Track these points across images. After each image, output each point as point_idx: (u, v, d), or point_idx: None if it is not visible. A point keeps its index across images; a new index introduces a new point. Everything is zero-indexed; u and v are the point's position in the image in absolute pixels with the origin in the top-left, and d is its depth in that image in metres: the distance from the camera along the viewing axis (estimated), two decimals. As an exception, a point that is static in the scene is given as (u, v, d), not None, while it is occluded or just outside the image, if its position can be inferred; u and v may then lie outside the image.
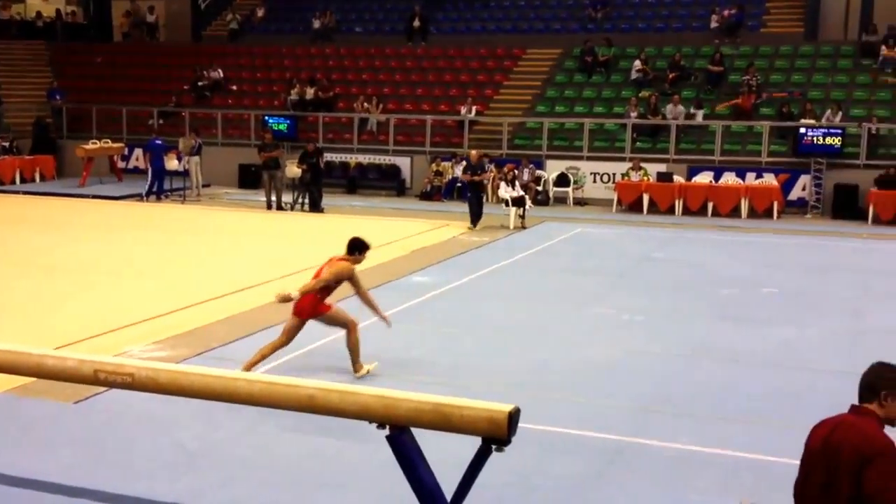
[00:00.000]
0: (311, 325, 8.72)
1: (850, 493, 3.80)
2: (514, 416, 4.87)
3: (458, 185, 21.97)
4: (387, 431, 5.05)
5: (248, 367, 8.18)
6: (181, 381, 5.58)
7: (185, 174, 22.21)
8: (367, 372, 8.69)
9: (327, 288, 8.52)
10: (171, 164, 21.92)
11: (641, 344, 10.01)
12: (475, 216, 18.29)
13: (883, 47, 22.54)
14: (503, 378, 8.68)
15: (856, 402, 4.02)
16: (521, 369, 9.04)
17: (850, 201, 19.78)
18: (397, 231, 17.35)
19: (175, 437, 7.14)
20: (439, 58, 27.16)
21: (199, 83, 27.47)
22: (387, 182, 23.82)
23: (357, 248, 8.84)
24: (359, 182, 23.97)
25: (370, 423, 5.08)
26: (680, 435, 7.31)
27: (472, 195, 18.43)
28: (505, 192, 18.87)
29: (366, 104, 25.17)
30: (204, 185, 22.91)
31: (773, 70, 23.63)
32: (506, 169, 20.53)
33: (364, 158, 24.13)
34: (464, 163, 20.79)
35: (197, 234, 17.54)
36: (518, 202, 18.56)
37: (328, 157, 22.57)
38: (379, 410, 5.09)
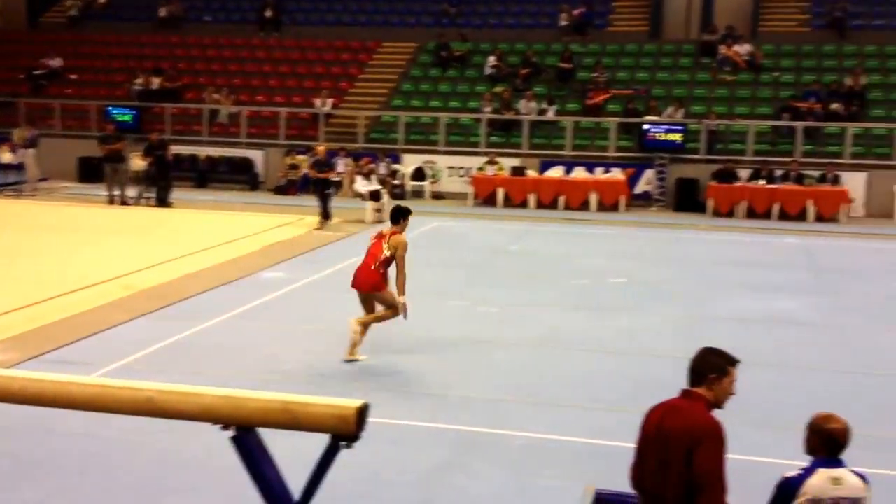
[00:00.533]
0: (150, 325, 8.39)
1: (682, 473, 3.94)
2: (362, 412, 4.80)
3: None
4: (232, 432, 4.90)
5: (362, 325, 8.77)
6: (12, 387, 5.23)
7: (20, 167, 21.03)
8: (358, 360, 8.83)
9: (389, 261, 8.80)
10: (5, 156, 20.75)
11: (495, 335, 10.13)
12: (324, 213, 17.70)
13: (721, 46, 23.66)
14: (357, 374, 8.61)
15: (687, 386, 4.17)
16: (376, 365, 8.99)
17: (691, 194, 20.67)
18: (249, 226, 16.97)
19: (8, 448, 6.72)
20: (293, 49, 26.76)
21: (36, 72, 26.07)
22: (239, 176, 23.28)
23: (402, 215, 9.05)
24: (209, 176, 23.33)
25: (214, 424, 4.91)
26: (531, 423, 7.44)
27: (318, 191, 17.75)
28: (361, 186, 18.76)
29: (216, 95, 24.52)
30: (41, 179, 21.77)
31: (620, 68, 24.43)
32: (362, 163, 20.42)
33: (214, 151, 23.51)
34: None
35: (33, 231, 16.62)
36: (375, 196, 18.48)
37: (176, 149, 21.83)
38: (223, 411, 4.90)
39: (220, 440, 4.94)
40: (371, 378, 8.46)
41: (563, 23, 25.77)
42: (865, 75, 22.09)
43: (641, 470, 4.20)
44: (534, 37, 25.75)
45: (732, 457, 6.09)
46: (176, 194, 20.10)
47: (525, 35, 25.91)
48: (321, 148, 18.95)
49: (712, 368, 4.11)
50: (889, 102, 21.85)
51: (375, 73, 25.66)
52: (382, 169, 21.29)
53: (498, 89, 23.58)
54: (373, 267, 8.80)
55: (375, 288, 8.84)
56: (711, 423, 4.00)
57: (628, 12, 26.64)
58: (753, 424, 7.44)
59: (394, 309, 8.89)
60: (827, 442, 4.09)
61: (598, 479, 6.21)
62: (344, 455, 4.90)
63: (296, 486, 4.04)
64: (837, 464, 4.08)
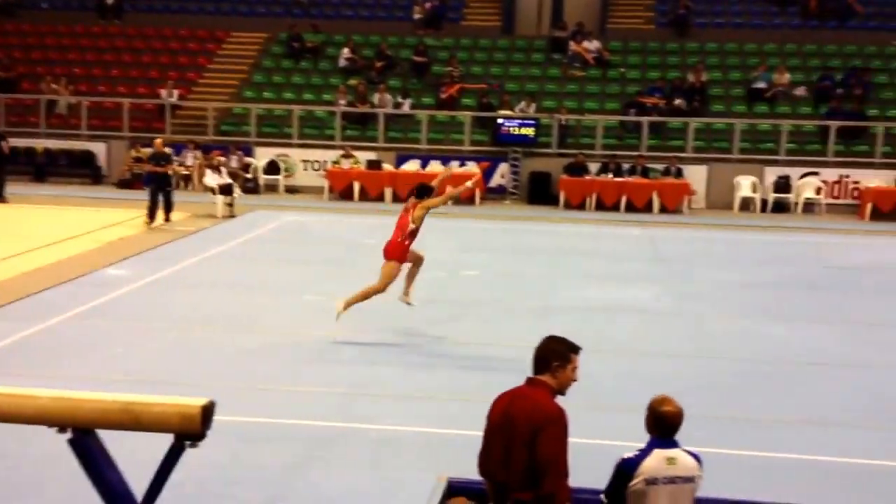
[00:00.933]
0: None
1: (527, 460, 4.00)
2: (208, 410, 4.65)
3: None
4: (69, 435, 4.64)
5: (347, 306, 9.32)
6: None
7: None
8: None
9: (415, 233, 9.53)
10: None
11: (350, 330, 10.03)
12: (152, 209, 16.34)
13: (571, 43, 24.25)
14: (206, 371, 8.35)
15: (531, 374, 4.22)
16: (227, 361, 8.76)
17: (544, 187, 21.11)
18: (91, 222, 16.24)
19: None
20: (136, 37, 25.73)
21: None
22: (80, 169, 22.21)
23: (426, 191, 9.77)
24: (48, 169, 22.15)
25: (49, 427, 4.64)
26: (384, 416, 7.41)
27: (154, 186, 16.46)
28: (211, 179, 18.24)
29: (54, 85, 23.32)
30: None
31: (474, 62, 24.70)
32: (211, 156, 19.86)
33: (53, 144, 22.34)
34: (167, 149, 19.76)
35: None
36: (225, 190, 18.01)
37: (12, 142, 20.59)
38: (59, 413, 4.64)
39: (61, 443, 4.69)
40: (220, 376, 8.22)
41: (417, 16, 25.82)
42: (706, 72, 23.11)
43: (488, 457, 4.23)
44: (388, 29, 25.68)
45: (577, 440, 6.20)
46: (11, 189, 19.00)
47: (379, 27, 25.81)
48: (158, 140, 17.98)
49: (555, 356, 4.19)
50: (729, 98, 22.94)
51: (225, 63, 25.00)
52: (234, 162, 20.78)
53: (353, 82, 23.40)
54: (399, 240, 9.52)
55: (400, 258, 9.51)
56: (554, 409, 4.07)
57: (481, 7, 26.94)
58: (598, 408, 7.65)
59: (420, 259, 9.70)
60: (660, 424, 4.22)
61: (450, 468, 6.26)
62: (194, 455, 4.72)
63: (144, 488, 3.87)
64: (672, 444, 4.21)
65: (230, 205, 17.92)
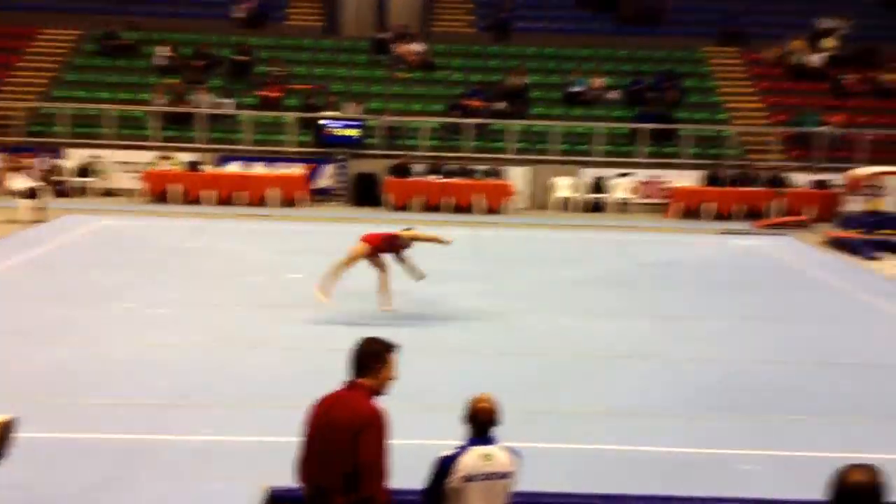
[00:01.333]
0: None
1: (346, 464, 3.95)
2: (7, 428, 4.39)
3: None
4: None
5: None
6: None
7: None
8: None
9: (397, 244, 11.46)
10: None
11: (163, 337, 9.68)
12: None
13: (395, 44, 24.36)
14: (11, 386, 7.81)
15: (349, 376, 4.18)
16: (35, 374, 8.24)
17: (370, 189, 21.10)
18: None
19: None
20: (-67, 32, 23.92)
21: None
22: None
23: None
24: None
25: None
26: (202, 427, 7.18)
27: None
28: (16, 183, 17.16)
29: None
30: None
31: (297, 63, 24.40)
32: (17, 158, 18.70)
33: None
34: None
35: None
36: (31, 194, 16.98)
37: None
38: None
39: None
40: (23, 390, 7.72)
41: (238, 15, 25.25)
42: (527, 75, 23.77)
43: (308, 462, 4.17)
44: (208, 28, 24.98)
45: (398, 442, 6.20)
46: None
47: (199, 26, 25.05)
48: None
49: (374, 358, 4.19)
50: (548, 101, 23.66)
51: (34, 61, 23.61)
52: (42, 164, 19.63)
53: (171, 81, 22.62)
54: (384, 234, 11.40)
55: (371, 243, 11.33)
56: (373, 411, 4.05)
57: (304, 7, 26.65)
58: (420, 409, 7.70)
59: (347, 257, 11.28)
60: (477, 421, 4.28)
61: (272, 477, 6.13)
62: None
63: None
64: (488, 441, 4.28)
65: (40, 209, 16.92)
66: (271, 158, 21.17)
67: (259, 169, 20.91)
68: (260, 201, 20.29)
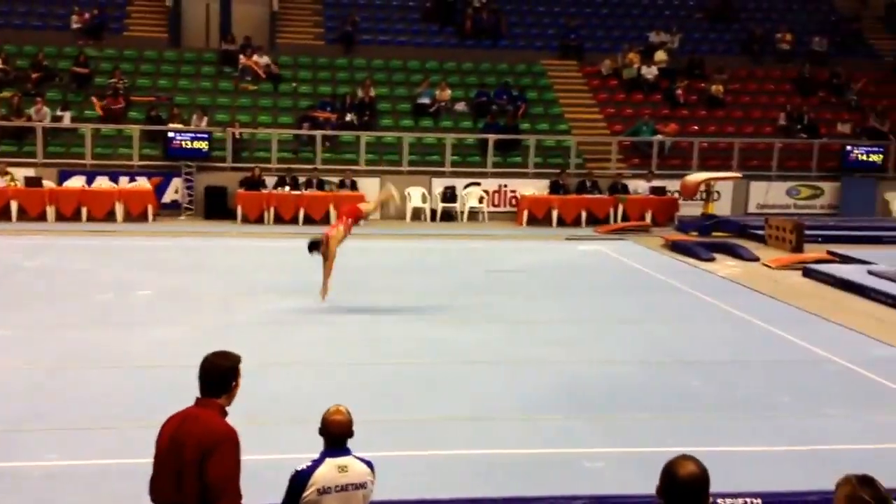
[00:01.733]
0: None
1: (197, 484, 3.93)
2: None
3: None
4: None
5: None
6: None
7: None
8: None
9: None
10: None
11: (5, 360, 9.25)
12: None
13: (241, 56, 24.03)
14: None
15: (200, 394, 4.16)
16: None
17: (220, 202, 20.73)
18: None
19: None
20: None
21: None
22: None
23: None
24: None
25: None
26: (49, 451, 6.94)
27: None
28: None
29: None
30: None
31: (140, 74, 23.71)
32: None
33: None
34: None
35: None
36: None
37: None
38: None
39: None
40: None
41: (76, 25, 24.29)
42: (375, 87, 23.92)
43: (160, 483, 4.11)
44: (45, 39, 23.90)
45: (252, 458, 6.21)
46: None
47: (34, 37, 23.95)
48: None
49: (232, 374, 4.15)
50: (396, 113, 23.89)
51: None
52: None
53: (6, 94, 21.55)
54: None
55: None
56: (224, 429, 4.03)
57: (145, 18, 25.88)
58: (275, 422, 7.70)
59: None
60: (331, 433, 4.33)
61: (124, 500, 6.00)
62: None
63: None
64: (344, 452, 4.33)
65: None
66: (116, 172, 20.48)
67: (104, 184, 20.17)
68: (106, 217, 19.59)
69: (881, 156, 23.28)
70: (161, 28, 25.49)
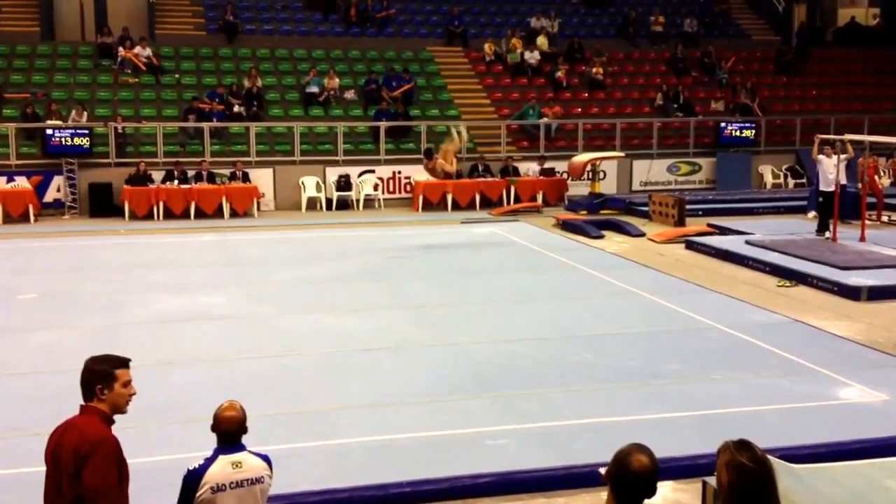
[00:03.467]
0: None
1: (72, 494, 3.82)
2: None
3: None
4: None
5: None
6: None
7: None
8: None
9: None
10: None
11: None
12: None
13: (120, 48, 23.30)
14: None
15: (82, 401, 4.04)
16: None
17: (105, 199, 20.11)
18: None
19: None
20: None
21: None
22: None
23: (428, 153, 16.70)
24: None
25: None
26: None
27: None
28: None
29: None
30: None
31: (13, 70, 22.75)
32: None
33: None
34: None
35: None
36: None
37: None
38: None
39: None
40: None
41: (-60, 20, 23.18)
42: (261, 77, 23.56)
43: (46, 495, 3.99)
44: None
45: (156, 458, 6.13)
46: None
47: None
48: None
49: (98, 378, 3.99)
50: (285, 102, 23.59)
51: None
52: None
53: None
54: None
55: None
56: (98, 435, 3.89)
57: (15, 12, 24.79)
58: (172, 422, 7.56)
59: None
60: (222, 430, 4.26)
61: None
62: None
63: None
64: (237, 449, 4.26)
65: None
66: (-10, 173, 19.64)
67: (-24, 185, 19.32)
68: (-18, 221, 18.79)
69: (753, 131, 24.26)
70: (32, 21, 24.47)
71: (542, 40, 26.39)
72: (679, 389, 8.60)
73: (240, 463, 4.20)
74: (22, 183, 19.71)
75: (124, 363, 4.06)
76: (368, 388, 8.65)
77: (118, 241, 17.33)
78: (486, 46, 25.81)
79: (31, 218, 19.19)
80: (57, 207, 20.09)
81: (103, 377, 3.98)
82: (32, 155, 20.47)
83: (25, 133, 20.73)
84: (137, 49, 23.35)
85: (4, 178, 19.71)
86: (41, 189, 19.93)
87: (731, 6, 30.17)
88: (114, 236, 17.86)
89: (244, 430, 4.31)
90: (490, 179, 21.91)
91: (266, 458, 4.35)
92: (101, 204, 20.05)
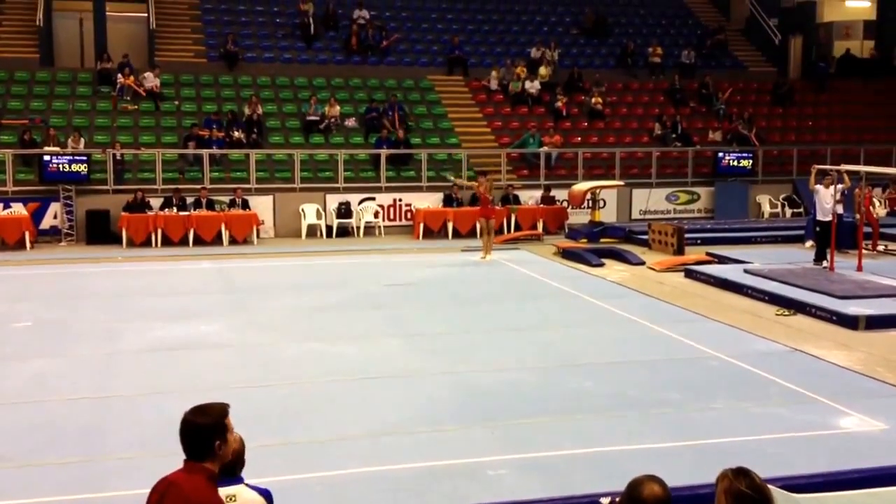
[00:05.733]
0: None
1: None
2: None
3: None
4: None
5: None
6: None
7: None
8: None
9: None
10: None
11: None
12: None
13: (119, 75, 23.32)
14: None
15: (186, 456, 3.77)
16: None
17: (103, 226, 20.02)
18: None
19: None
20: None
21: None
22: None
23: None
24: None
25: None
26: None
27: None
28: None
29: None
30: None
31: (11, 96, 22.76)
32: None
33: None
34: None
35: None
36: None
37: None
38: None
39: None
40: None
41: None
42: (261, 104, 23.58)
43: None
44: None
45: (148, 491, 5.94)
46: None
47: None
48: None
49: (218, 432, 3.69)
50: (285, 129, 23.60)
51: None
52: None
53: None
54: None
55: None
56: (211, 501, 3.68)
57: (14, 38, 24.84)
58: (172, 454, 7.38)
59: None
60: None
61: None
62: None
63: None
64: (235, 481, 4.07)
65: None
66: (-14, 200, 19.56)
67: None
68: (-22, 247, 18.69)
69: (750, 161, 24.29)
70: (31, 48, 24.49)
71: (544, 70, 26.46)
72: (679, 419, 8.48)
73: (234, 496, 4.03)
74: (18, 209, 19.64)
75: (227, 410, 3.80)
76: (367, 417, 8.50)
77: (115, 269, 17.21)
78: (493, 73, 25.88)
79: (28, 245, 19.10)
80: (53, 234, 20.00)
81: (220, 430, 3.67)
82: (29, 181, 20.41)
83: (22, 159, 20.69)
84: (148, 74, 23.35)
85: (1, 205, 19.63)
86: (38, 216, 19.85)
87: (728, 38, 30.33)
88: (111, 263, 17.74)
89: (242, 462, 4.15)
90: (490, 208, 21.81)
91: (265, 493, 4.17)
92: (99, 231, 19.97)
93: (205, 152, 21.47)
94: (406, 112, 24.25)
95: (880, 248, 18.56)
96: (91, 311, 13.25)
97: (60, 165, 19.89)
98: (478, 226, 18.67)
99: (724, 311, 13.21)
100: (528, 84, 25.80)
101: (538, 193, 22.38)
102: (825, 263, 15.90)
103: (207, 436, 3.63)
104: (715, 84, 27.40)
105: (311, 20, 26.43)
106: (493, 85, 25.83)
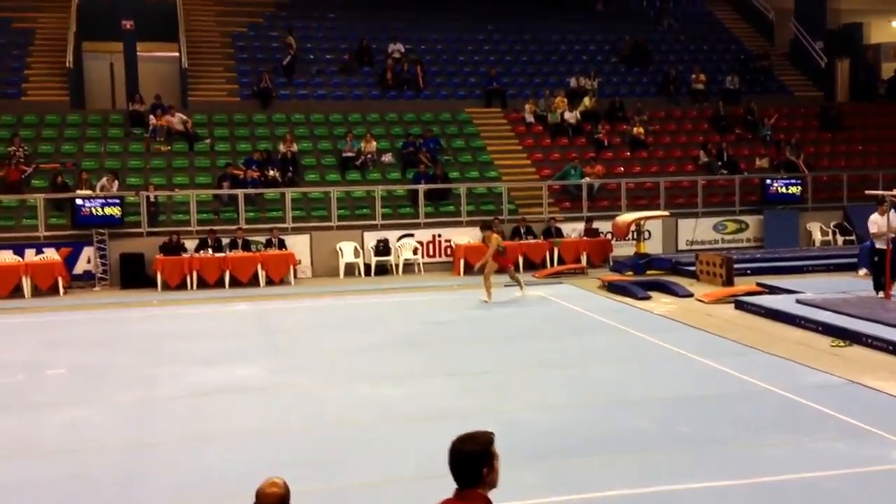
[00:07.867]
0: None
1: None
2: None
3: None
4: None
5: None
6: None
7: None
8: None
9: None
10: None
11: None
12: None
13: (151, 117, 23.15)
14: None
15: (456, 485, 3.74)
16: None
17: (137, 270, 19.67)
18: None
19: None
20: None
21: None
22: None
23: (488, 225, 17.95)
24: None
25: None
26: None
27: None
28: None
29: None
30: None
31: (42, 140, 22.63)
32: None
33: None
34: None
35: None
36: None
37: None
38: None
39: None
40: None
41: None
42: (296, 142, 23.28)
43: None
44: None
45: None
46: None
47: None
48: None
49: (487, 459, 3.77)
50: (321, 167, 23.26)
51: None
52: None
53: None
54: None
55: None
56: None
57: (44, 81, 24.76)
58: (211, 500, 6.90)
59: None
60: None
61: None
62: None
63: None
64: None
65: None
66: (20, 245, 19.30)
67: (7, 258, 18.96)
68: (12, 293, 18.38)
69: (799, 188, 23.58)
70: (62, 90, 24.39)
71: (588, 101, 25.96)
72: (733, 456, 8.12)
73: None
74: (51, 255, 19.34)
75: (492, 437, 3.86)
76: (413, 459, 8.03)
77: (150, 313, 16.82)
78: (527, 106, 25.46)
79: (61, 290, 18.78)
80: (87, 279, 19.68)
81: (488, 458, 3.76)
82: (61, 226, 20.15)
83: (55, 203, 20.46)
84: (169, 117, 23.16)
85: (33, 250, 19.35)
86: (71, 260, 19.53)
87: (772, 63, 29.70)
88: (146, 307, 17.36)
89: None
90: (533, 241, 21.28)
91: None
92: (133, 274, 19.61)
93: (240, 192, 21.12)
94: (441, 146, 23.82)
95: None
96: (126, 356, 12.82)
97: (93, 209, 19.61)
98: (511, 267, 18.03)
99: (776, 343, 12.68)
100: (566, 114, 25.31)
101: (581, 226, 21.79)
102: (881, 293, 15.17)
103: (476, 463, 3.76)
104: (760, 110, 26.77)
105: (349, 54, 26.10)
106: (529, 118, 25.37)
